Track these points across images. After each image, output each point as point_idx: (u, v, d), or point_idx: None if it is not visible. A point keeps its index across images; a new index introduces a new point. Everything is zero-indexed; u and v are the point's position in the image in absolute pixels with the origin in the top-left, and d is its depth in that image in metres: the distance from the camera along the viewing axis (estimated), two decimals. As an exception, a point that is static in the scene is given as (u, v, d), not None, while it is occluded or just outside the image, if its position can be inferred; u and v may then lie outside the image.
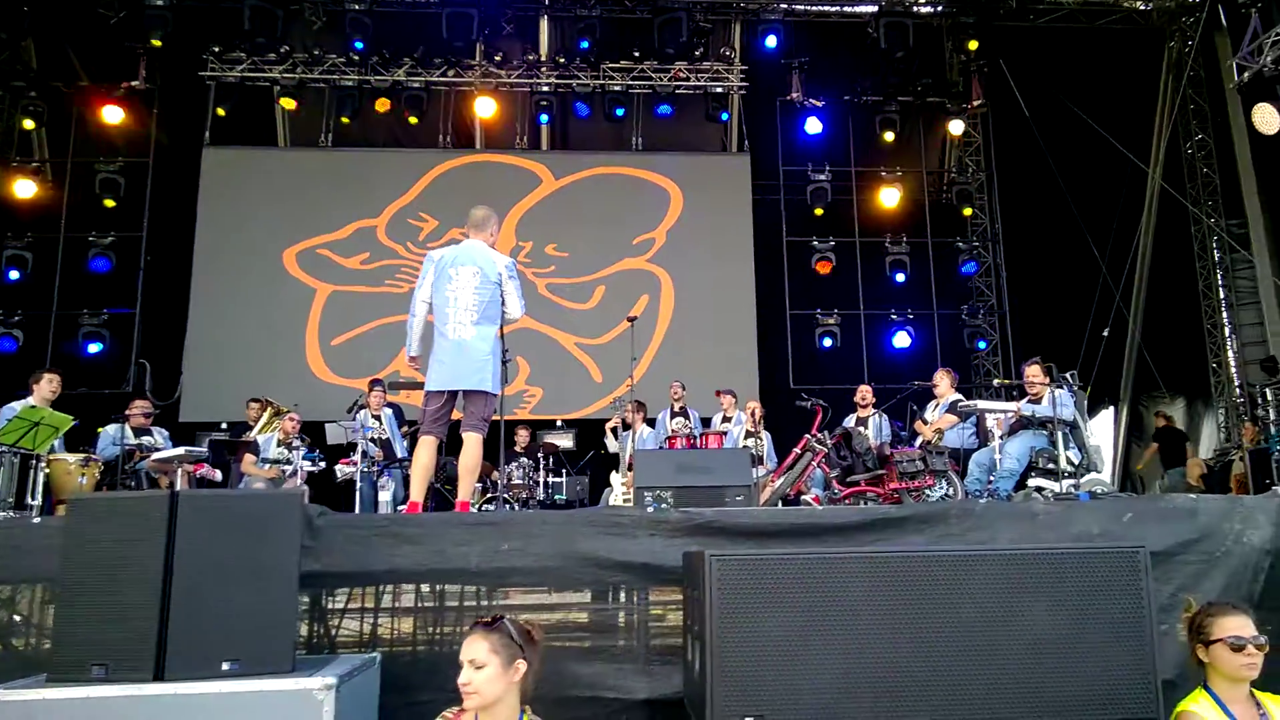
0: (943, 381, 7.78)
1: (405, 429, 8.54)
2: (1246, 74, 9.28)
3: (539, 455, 9.16)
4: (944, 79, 13.10)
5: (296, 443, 7.52)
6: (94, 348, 11.37)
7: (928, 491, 6.21)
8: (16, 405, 6.11)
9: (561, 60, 12.30)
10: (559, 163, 12.71)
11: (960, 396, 7.78)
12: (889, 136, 12.71)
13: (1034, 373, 6.58)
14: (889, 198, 12.84)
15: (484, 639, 2.47)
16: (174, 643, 2.73)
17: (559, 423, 10.97)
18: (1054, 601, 2.64)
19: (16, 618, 3.70)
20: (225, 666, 2.75)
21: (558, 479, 9.14)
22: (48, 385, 6.38)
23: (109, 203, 11.67)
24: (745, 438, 8.58)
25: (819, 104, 12.56)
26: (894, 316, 12.44)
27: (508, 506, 8.11)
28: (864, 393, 8.32)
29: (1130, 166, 11.82)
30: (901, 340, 12.35)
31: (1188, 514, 3.82)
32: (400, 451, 8.17)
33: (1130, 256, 12.17)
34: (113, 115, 11.69)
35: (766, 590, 2.58)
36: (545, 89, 12.31)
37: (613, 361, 11.36)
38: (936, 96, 12.88)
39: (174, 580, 2.78)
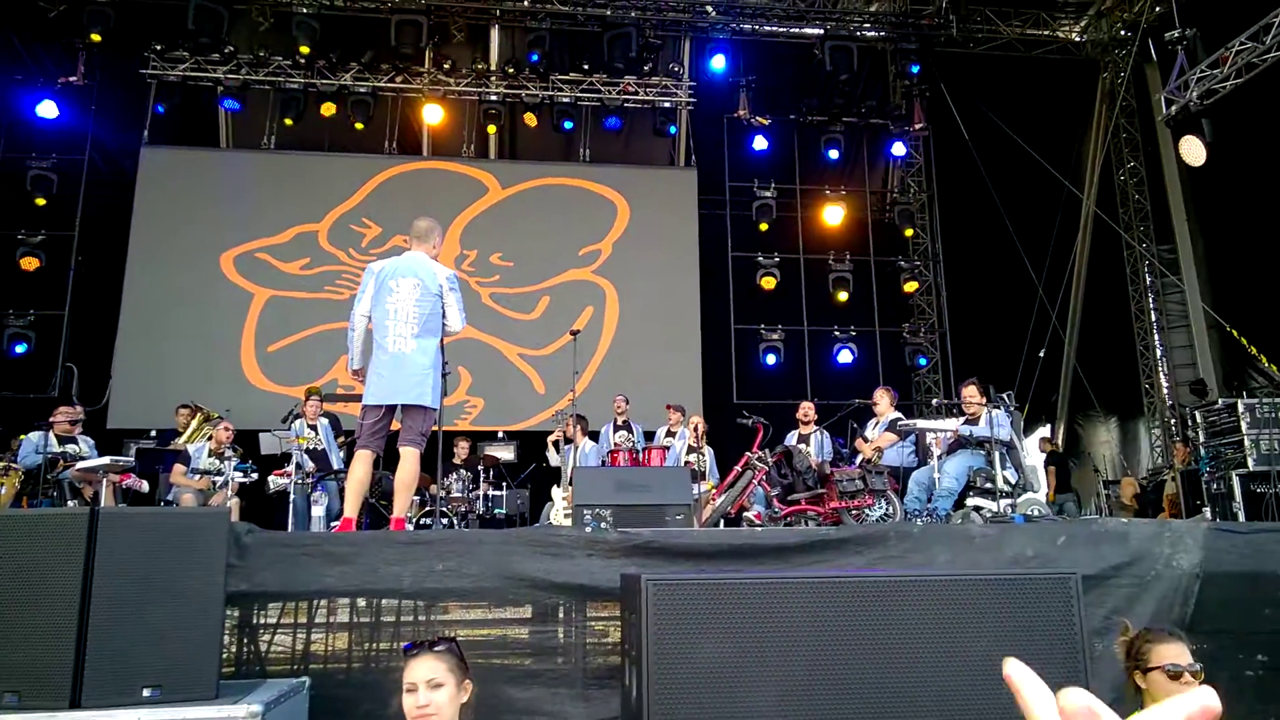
0: (882, 400, 7.88)
1: (342, 440, 8.38)
2: (1174, 108, 9.66)
3: (479, 468, 9.06)
4: (887, 101, 13.40)
5: (228, 453, 7.33)
6: (19, 349, 10.92)
7: (867, 511, 6.29)
8: None
9: (511, 70, 12.26)
10: (506, 172, 12.65)
11: (900, 415, 7.90)
12: (834, 155, 12.94)
13: (970, 393, 6.71)
14: (833, 216, 13.05)
15: (439, 658, 2.42)
16: (91, 668, 2.64)
17: (500, 434, 10.87)
18: (990, 627, 2.67)
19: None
20: (146, 693, 2.67)
21: (498, 492, 9.03)
22: None
23: (40, 200, 11.26)
24: (688, 453, 8.60)
25: (765, 122, 12.71)
26: (837, 333, 12.61)
27: (445, 521, 8.00)
28: (806, 409, 8.37)
29: (1066, 191, 12.24)
30: (844, 357, 12.53)
31: (1119, 538, 3.93)
32: (336, 463, 8.01)
33: (1066, 278, 12.58)
34: (48, 111, 11.29)
35: (703, 614, 2.58)
36: (494, 98, 12.25)
37: (556, 373, 11.31)
38: (880, 118, 13.15)
39: (92, 602, 2.69)
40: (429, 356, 4.76)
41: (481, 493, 8.80)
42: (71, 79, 11.36)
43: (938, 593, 2.71)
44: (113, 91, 11.64)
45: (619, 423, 9.26)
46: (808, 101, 12.93)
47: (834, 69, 12.21)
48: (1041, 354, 10.38)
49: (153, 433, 8.41)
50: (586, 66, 12.35)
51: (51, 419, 6.76)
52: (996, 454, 5.94)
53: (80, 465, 6.55)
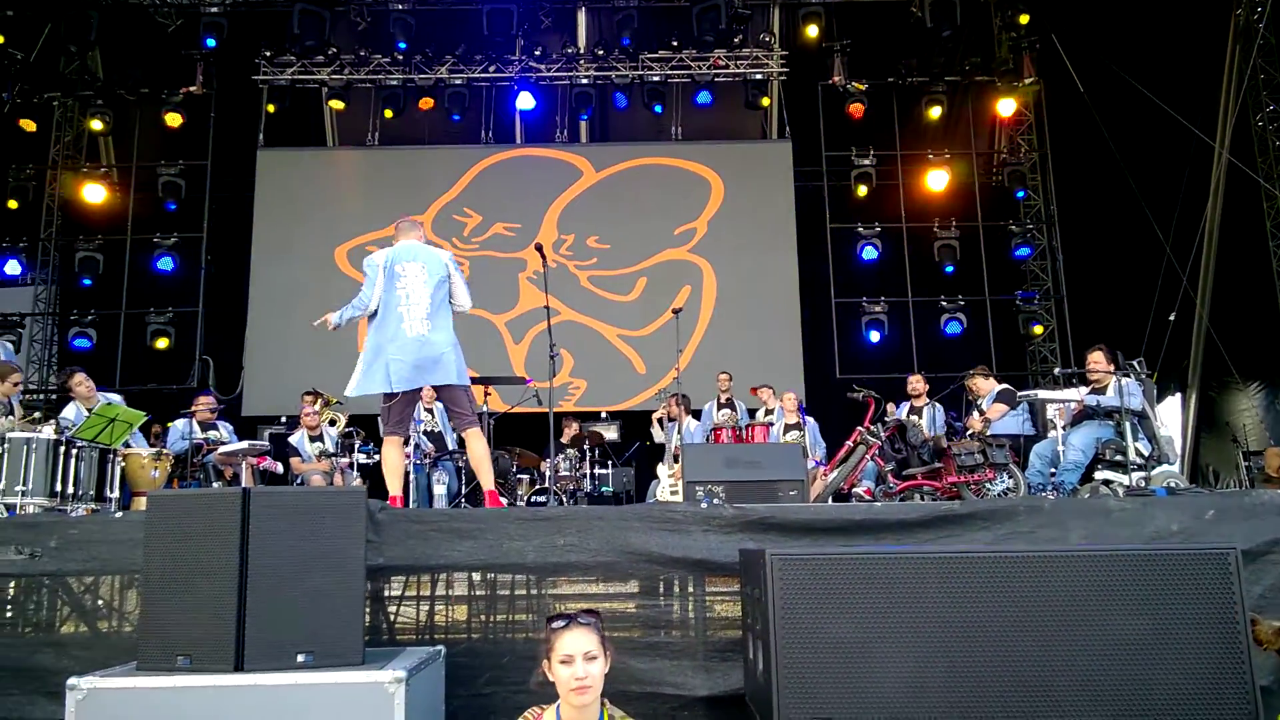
0: (980, 384, 7.61)
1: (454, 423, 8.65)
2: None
3: (585, 447, 9.22)
4: (993, 56, 12.82)
5: (331, 431, 7.70)
6: (161, 343, 11.75)
7: (988, 485, 6.09)
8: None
9: (600, 52, 12.31)
10: (599, 155, 12.74)
11: (1007, 385, 7.62)
12: (936, 117, 12.46)
13: (1097, 360, 6.36)
14: (937, 181, 12.60)
15: (591, 631, 2.50)
16: (251, 634, 2.83)
17: (603, 414, 11.03)
18: (1138, 604, 2.55)
19: (100, 603, 3.86)
20: (300, 658, 2.84)
21: (604, 471, 9.15)
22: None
23: (171, 205, 12.04)
24: (785, 432, 8.53)
25: (862, 87, 12.33)
26: (944, 303, 12.22)
27: (557, 499, 8.19)
28: (916, 382, 8.16)
29: (1195, 141, 11.41)
30: (953, 328, 12.14)
31: (1275, 510, 3.69)
32: (451, 444, 8.28)
33: (1197, 236, 11.78)
34: (173, 120, 12.00)
35: (829, 590, 2.56)
36: (584, 81, 12.33)
37: (656, 353, 11.38)
38: (985, 75, 12.58)
39: (249, 574, 2.87)
40: (447, 334, 4.80)
41: (588, 471, 8.94)
42: (191, 89, 12.02)
43: (1079, 570, 2.59)
44: (229, 98, 12.28)
45: (722, 400, 9.25)
46: (906, 62, 12.48)
47: (934, 25, 11.71)
48: (1172, 318, 9.74)
49: (283, 419, 8.89)
50: (675, 43, 12.26)
51: (193, 407, 7.25)
52: (1128, 424, 5.64)
53: (222, 449, 7.02)
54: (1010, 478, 6.17)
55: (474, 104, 12.52)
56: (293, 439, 7.92)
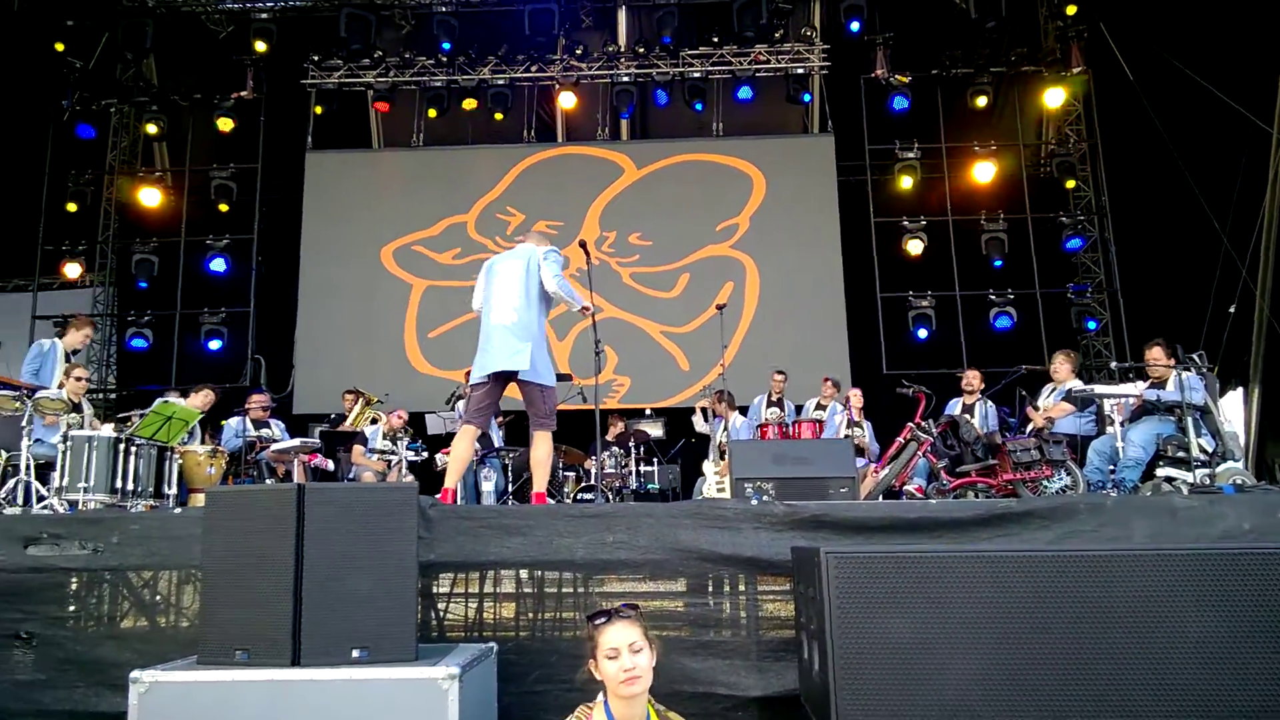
0: (1063, 366, 7.32)
1: (501, 419, 8.71)
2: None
3: (630, 444, 9.21)
4: (1039, 46, 12.56)
5: (401, 435, 7.79)
6: (215, 344, 12.04)
7: (1045, 483, 5.94)
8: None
9: (641, 50, 12.30)
10: (640, 152, 12.74)
11: (1078, 382, 7.39)
12: (981, 109, 12.26)
13: (1156, 354, 6.18)
14: (983, 173, 12.39)
15: (633, 624, 2.51)
16: (308, 630, 2.86)
17: (648, 411, 11.01)
18: (1211, 606, 2.44)
19: (159, 598, 3.94)
20: (355, 654, 2.86)
21: (649, 468, 9.15)
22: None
23: (223, 207, 12.34)
24: (847, 427, 8.44)
25: (905, 79, 12.17)
26: (993, 297, 12.01)
27: (603, 497, 8.20)
28: (971, 378, 7.97)
29: (1252, 128, 11.05)
30: (1003, 322, 11.92)
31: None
32: (498, 441, 8.34)
33: (1256, 225, 11.40)
34: (224, 125, 12.25)
35: (887, 589, 2.51)
36: (625, 79, 12.33)
37: (699, 349, 11.35)
38: (1032, 65, 12.36)
39: (304, 569, 2.90)
40: (529, 329, 4.88)
41: (633, 469, 8.94)
42: (242, 94, 12.26)
43: (1149, 570, 2.49)
44: (278, 103, 12.52)
45: (773, 398, 9.19)
46: (950, 54, 12.31)
47: (979, 16, 11.54)
48: (1232, 310, 9.44)
49: (332, 416, 9.02)
50: (716, 39, 12.21)
51: (246, 405, 7.39)
52: (1190, 420, 5.47)
53: (275, 447, 7.15)
54: (1068, 475, 6.02)
55: (516, 103, 12.59)
56: (368, 431, 8.08)
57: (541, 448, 4.87)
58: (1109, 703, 2.40)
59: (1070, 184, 12.44)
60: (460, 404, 8.38)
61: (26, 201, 12.17)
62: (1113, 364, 10.85)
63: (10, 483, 5.24)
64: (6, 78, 11.91)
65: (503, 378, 4.89)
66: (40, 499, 5.15)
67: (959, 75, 12.34)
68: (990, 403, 7.78)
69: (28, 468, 5.18)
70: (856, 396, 8.67)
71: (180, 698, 2.74)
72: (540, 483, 4.87)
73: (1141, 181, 11.72)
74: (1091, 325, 12.14)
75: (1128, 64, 11.19)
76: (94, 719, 3.52)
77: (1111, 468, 6.13)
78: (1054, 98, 12.32)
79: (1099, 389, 6.78)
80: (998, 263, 12.09)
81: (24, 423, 5.22)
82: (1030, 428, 6.92)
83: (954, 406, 7.82)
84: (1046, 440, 6.13)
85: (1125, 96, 11.29)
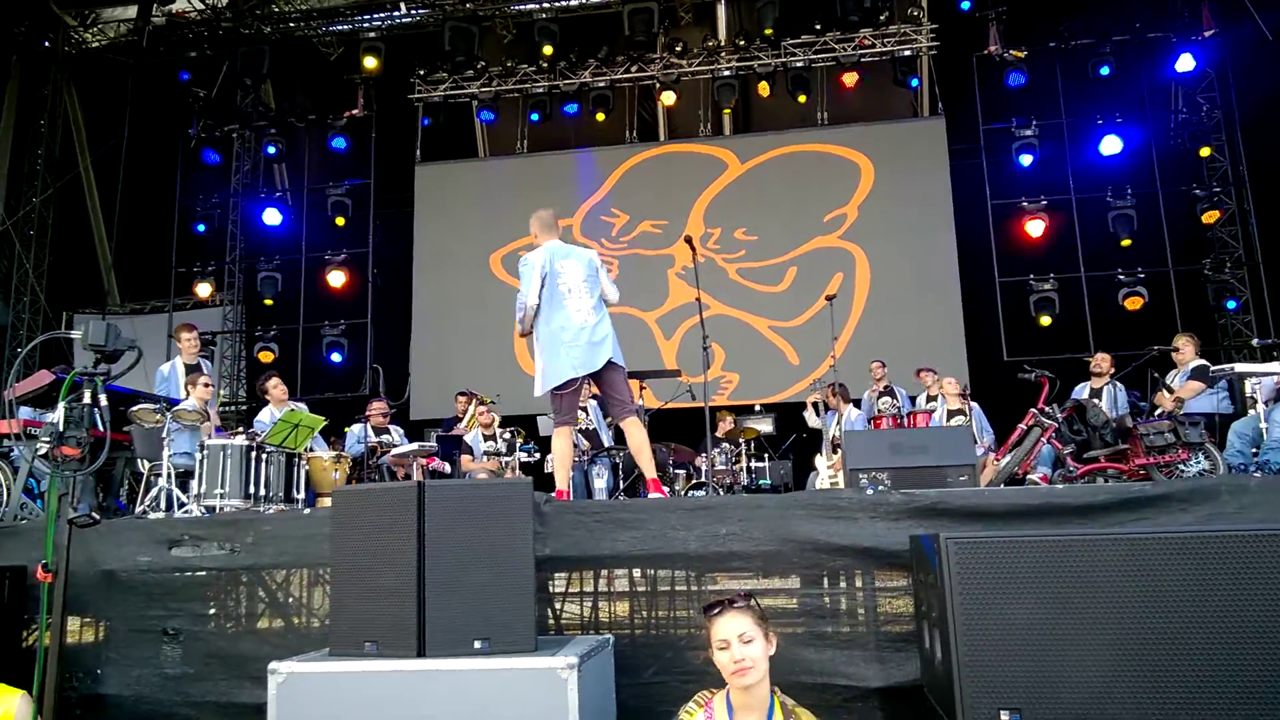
0: (1186, 347, 7.12)
1: (610, 419, 8.78)
2: None
3: (740, 440, 9.14)
4: (1165, 10, 11.81)
5: (506, 434, 7.94)
6: (335, 356, 12.62)
7: (1181, 467, 5.58)
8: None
9: (741, 42, 12.20)
10: (744, 146, 12.64)
11: (1205, 361, 7.02)
12: (1104, 79, 11.63)
13: (1302, 330, 5.78)
14: (1109, 147, 11.76)
15: (744, 614, 2.50)
16: (431, 621, 2.93)
17: (757, 407, 10.91)
18: None
19: (290, 599, 4.14)
20: (477, 645, 2.93)
21: (760, 464, 9.06)
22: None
23: (339, 222, 12.90)
24: (949, 418, 8.15)
25: (1021, 55, 11.69)
26: (1121, 277, 11.38)
27: (715, 493, 8.16)
28: (1099, 360, 7.64)
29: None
30: (1133, 303, 11.26)
31: None
32: (607, 440, 8.40)
33: None
34: (338, 144, 12.85)
35: (1011, 575, 2.40)
36: (726, 73, 12.26)
37: (808, 343, 11.18)
38: (1158, 31, 11.64)
39: (426, 564, 2.99)
40: (608, 324, 4.91)
41: (744, 465, 8.87)
42: (354, 112, 12.83)
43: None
44: (387, 119, 13.03)
45: (880, 389, 8.95)
46: (1069, 24, 11.73)
47: (1098, -19, 10.97)
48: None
49: (446, 420, 9.30)
50: (819, 26, 12.01)
51: (367, 413, 7.69)
52: (1343, 398, 5.03)
53: (394, 451, 7.41)
54: (1207, 459, 5.63)
55: (618, 104, 12.71)
56: (467, 437, 8.26)
57: (637, 434, 4.89)
58: (1257, 697, 2.22)
59: (1205, 152, 11.64)
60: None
61: (160, 227, 13.05)
62: (1254, 341, 10.10)
63: (154, 490, 5.57)
64: (139, 112, 12.84)
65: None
66: (180, 505, 5.45)
67: (1078, 46, 11.75)
68: (1120, 386, 7.38)
69: (169, 476, 5.48)
70: (951, 384, 8.36)
71: (315, 687, 2.86)
72: (650, 469, 4.88)
73: (1280, 147, 10.88)
74: (1231, 305, 11.34)
75: (1264, 22, 10.39)
76: (236, 709, 3.71)
77: (1255, 450, 5.72)
78: (1184, 63, 11.56)
79: (1239, 367, 6.35)
80: (1126, 240, 11.43)
81: (164, 434, 5.56)
82: (1159, 411, 6.52)
83: (1081, 391, 7.47)
84: (1182, 422, 5.74)
85: (1262, 56, 10.51)
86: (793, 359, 11.59)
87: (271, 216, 13.29)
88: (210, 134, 13.11)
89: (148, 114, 12.96)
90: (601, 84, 12.47)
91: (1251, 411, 5.98)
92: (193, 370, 7.08)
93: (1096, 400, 7.03)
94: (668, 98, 12.44)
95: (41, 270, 13.52)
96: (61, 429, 3.18)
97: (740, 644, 2.45)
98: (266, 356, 12.52)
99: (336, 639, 3.06)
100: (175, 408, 5.88)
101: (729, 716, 2.54)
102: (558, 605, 3.92)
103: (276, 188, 13.85)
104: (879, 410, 8.49)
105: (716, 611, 2.54)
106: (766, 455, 9.21)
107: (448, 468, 7.76)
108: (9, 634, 3.80)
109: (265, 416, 7.09)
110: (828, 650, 3.43)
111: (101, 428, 3.41)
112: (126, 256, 13.70)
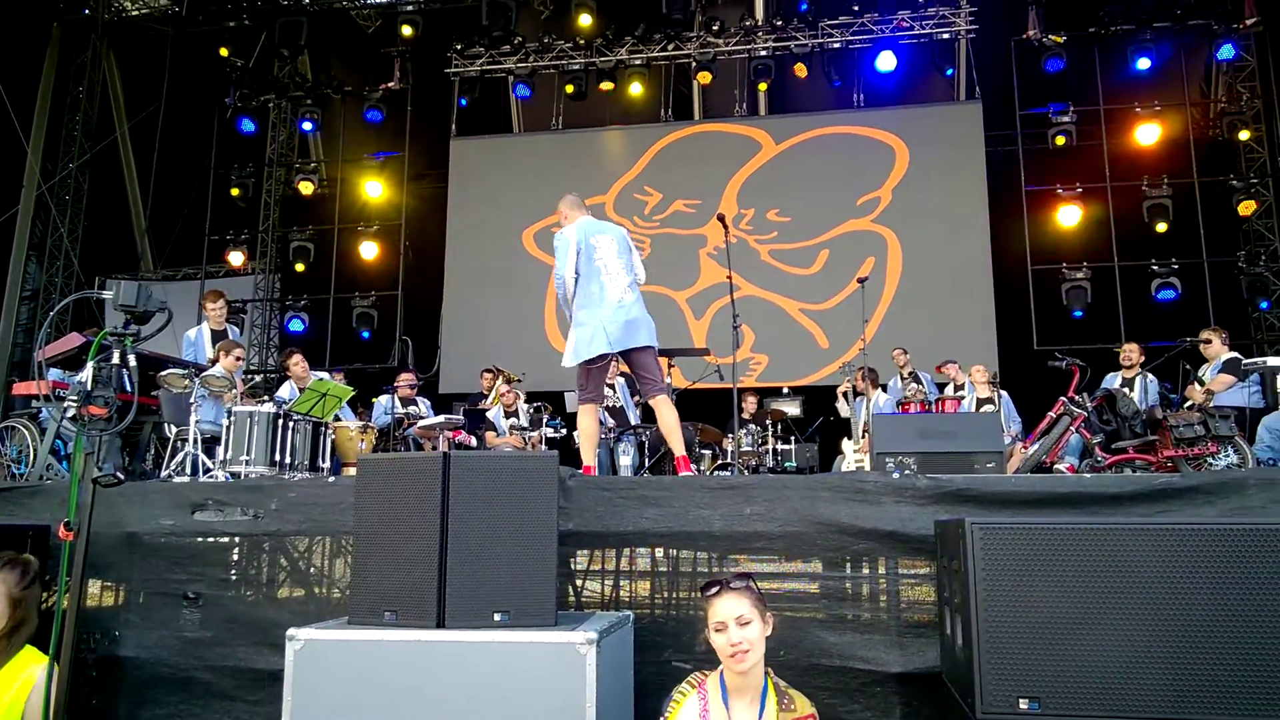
0: (1213, 341, 7.04)
1: (637, 397, 8.78)
2: None
3: (766, 422, 9.12)
4: (1207, -3, 11.54)
5: (532, 410, 7.98)
6: (365, 327, 12.71)
7: (1210, 460, 5.50)
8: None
9: (778, 22, 12.06)
10: (778, 127, 12.52)
11: (1237, 354, 6.92)
12: (1144, 67, 11.41)
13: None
14: (1146, 135, 11.56)
15: (742, 595, 2.47)
16: (452, 592, 2.93)
17: (785, 390, 10.86)
18: None
19: (313, 564, 4.17)
20: (497, 617, 2.93)
21: (786, 446, 9.04)
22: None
23: (371, 196, 12.95)
24: (978, 406, 8.07)
25: (1060, 39, 11.47)
26: (1155, 268, 11.19)
27: (740, 474, 8.15)
28: (1129, 351, 7.55)
29: None
30: (1165, 294, 11.07)
31: None
32: (634, 418, 8.41)
33: None
34: (374, 116, 12.89)
35: (1036, 562, 2.37)
36: (763, 53, 12.13)
37: (839, 327, 11.10)
38: (1200, 18, 11.36)
39: (449, 535, 3.00)
40: (641, 302, 4.95)
41: (770, 447, 8.85)
42: (390, 84, 12.86)
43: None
44: (423, 92, 13.05)
45: (905, 375, 8.89)
46: (1110, 9, 11.49)
47: (1140, -31, 10.71)
48: None
49: (472, 395, 9.37)
50: (856, 7, 11.84)
51: (395, 384, 7.76)
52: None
53: (421, 424, 7.47)
54: (1236, 452, 5.54)
55: (653, 83, 12.63)
56: (490, 413, 8.31)
57: (666, 412, 4.89)
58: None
59: (1245, 135, 11.36)
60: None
61: (195, 195, 13.20)
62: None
63: (180, 455, 5.63)
64: (176, 80, 12.95)
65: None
66: (206, 471, 5.50)
67: (1118, 32, 11.52)
68: (1151, 377, 7.28)
69: (195, 441, 5.53)
70: (980, 371, 8.28)
71: (332, 655, 2.88)
72: (679, 447, 4.89)
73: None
74: (1264, 305, 11.16)
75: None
76: (255, 674, 3.73)
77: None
78: (1225, 51, 11.30)
79: (1271, 362, 6.25)
80: (1161, 230, 11.23)
81: (191, 399, 5.62)
82: (1189, 404, 6.43)
83: (1112, 381, 7.39)
84: (1212, 414, 5.65)
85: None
86: (822, 342, 11.52)
87: (306, 187, 13.40)
88: (247, 103, 13.21)
89: (185, 82, 13.08)
90: (638, 62, 12.41)
91: (1283, 406, 5.89)
92: (219, 336, 7.15)
93: (1127, 390, 6.94)
94: (704, 77, 12.34)
95: (76, 235, 13.72)
96: (89, 388, 3.17)
97: (737, 626, 2.42)
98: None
99: (356, 607, 3.08)
100: (204, 374, 5.94)
101: (723, 698, 2.52)
102: (579, 582, 3.92)
103: (311, 159, 13.97)
104: (906, 396, 8.43)
105: (714, 592, 2.51)
106: (793, 438, 9.18)
107: (474, 441, 7.82)
108: (31, 593, 3.87)
109: (285, 392, 7.16)
110: (847, 633, 3.41)
111: (130, 390, 3.40)
112: (161, 223, 13.88)
